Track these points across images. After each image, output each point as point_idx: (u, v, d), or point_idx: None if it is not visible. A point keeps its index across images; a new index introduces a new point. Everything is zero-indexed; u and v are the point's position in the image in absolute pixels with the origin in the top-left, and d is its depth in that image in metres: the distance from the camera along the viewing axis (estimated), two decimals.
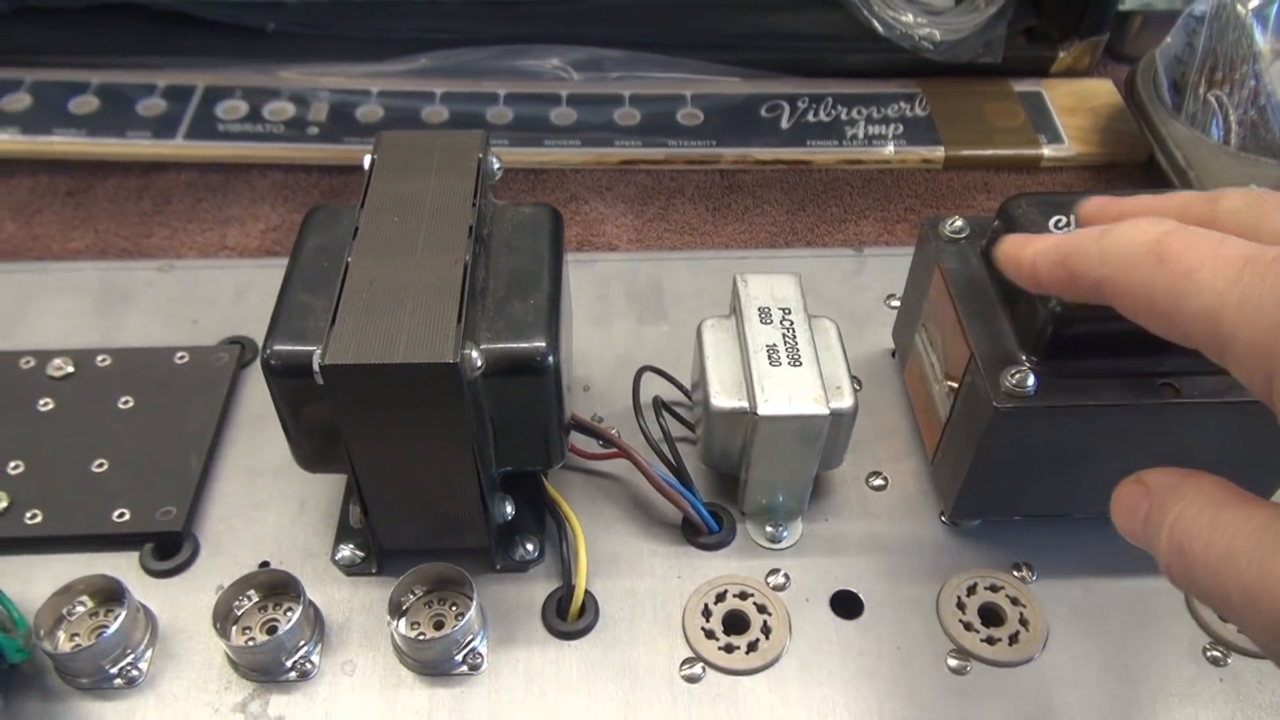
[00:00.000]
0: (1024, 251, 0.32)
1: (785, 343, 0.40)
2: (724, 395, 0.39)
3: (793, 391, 0.38)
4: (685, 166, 0.68)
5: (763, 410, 0.38)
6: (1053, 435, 0.37)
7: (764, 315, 0.41)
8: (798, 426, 0.38)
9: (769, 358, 0.39)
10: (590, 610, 0.39)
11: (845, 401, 0.39)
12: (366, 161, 0.39)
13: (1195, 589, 0.26)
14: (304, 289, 0.36)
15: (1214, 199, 0.29)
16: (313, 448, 0.37)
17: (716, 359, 0.40)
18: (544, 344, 0.35)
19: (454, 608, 0.38)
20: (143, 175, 0.67)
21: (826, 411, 0.38)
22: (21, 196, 0.65)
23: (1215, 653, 0.38)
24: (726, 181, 0.67)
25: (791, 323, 0.41)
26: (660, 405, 0.44)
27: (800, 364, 0.39)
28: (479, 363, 0.33)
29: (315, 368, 0.32)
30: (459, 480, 0.36)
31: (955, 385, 0.39)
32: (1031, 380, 0.36)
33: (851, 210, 0.66)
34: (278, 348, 0.34)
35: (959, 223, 0.42)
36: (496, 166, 0.40)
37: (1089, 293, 0.29)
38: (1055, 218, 0.38)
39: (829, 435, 0.39)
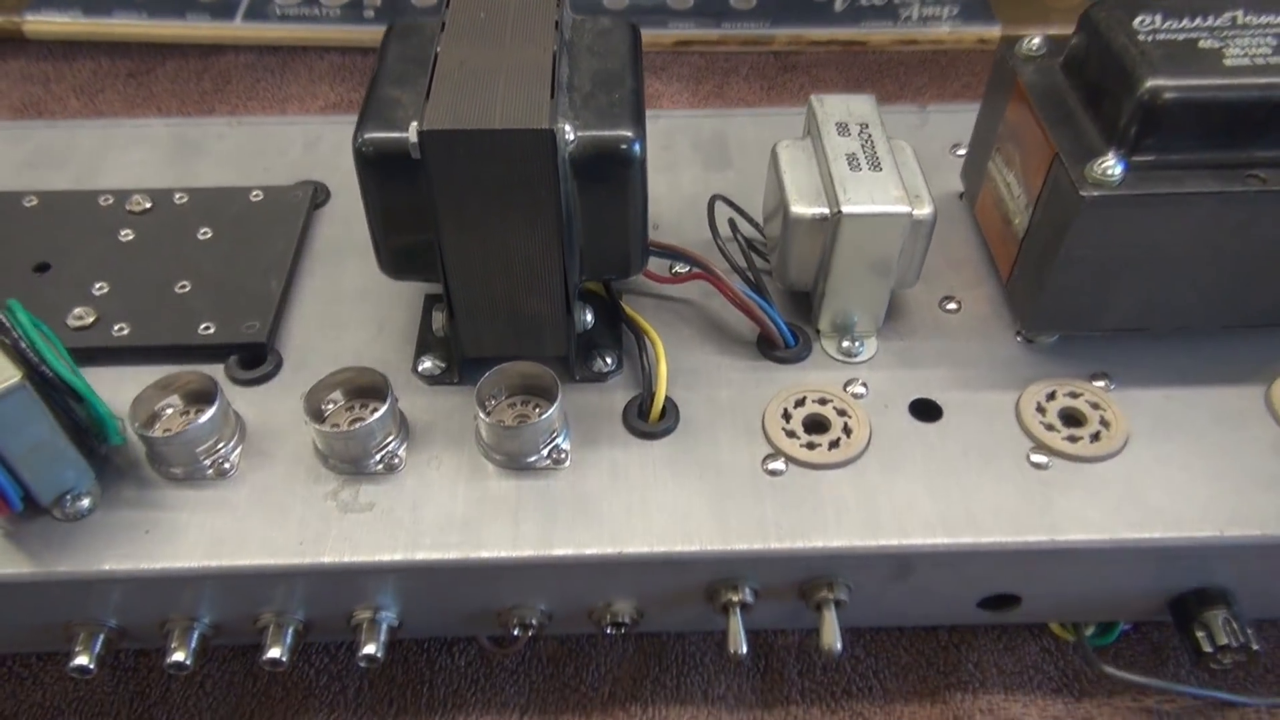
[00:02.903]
0: None
1: (864, 152, 0.40)
2: (803, 204, 0.39)
3: (875, 192, 0.38)
4: (739, 48, 0.68)
5: (846, 209, 0.38)
6: (1138, 229, 0.37)
7: (841, 129, 0.41)
8: (881, 225, 0.38)
9: (849, 164, 0.39)
10: (671, 414, 0.39)
11: (925, 209, 0.39)
12: None
13: None
14: (391, 85, 0.37)
15: None
16: (400, 247, 0.37)
17: (793, 173, 0.41)
18: (631, 132, 0.35)
19: (537, 409, 0.38)
20: (202, 58, 0.67)
21: (909, 209, 0.38)
22: (84, 77, 0.66)
23: None
24: (780, 62, 0.67)
25: (870, 135, 0.41)
26: (734, 225, 0.44)
27: (881, 169, 0.39)
28: (571, 136, 0.34)
29: (413, 138, 0.33)
30: (545, 271, 0.36)
31: (1036, 195, 0.39)
32: (1119, 168, 0.36)
33: (908, 88, 0.66)
34: (369, 135, 0.35)
35: (1036, 40, 0.42)
36: None
37: None
38: (1140, 17, 0.38)
39: (907, 244, 0.39)
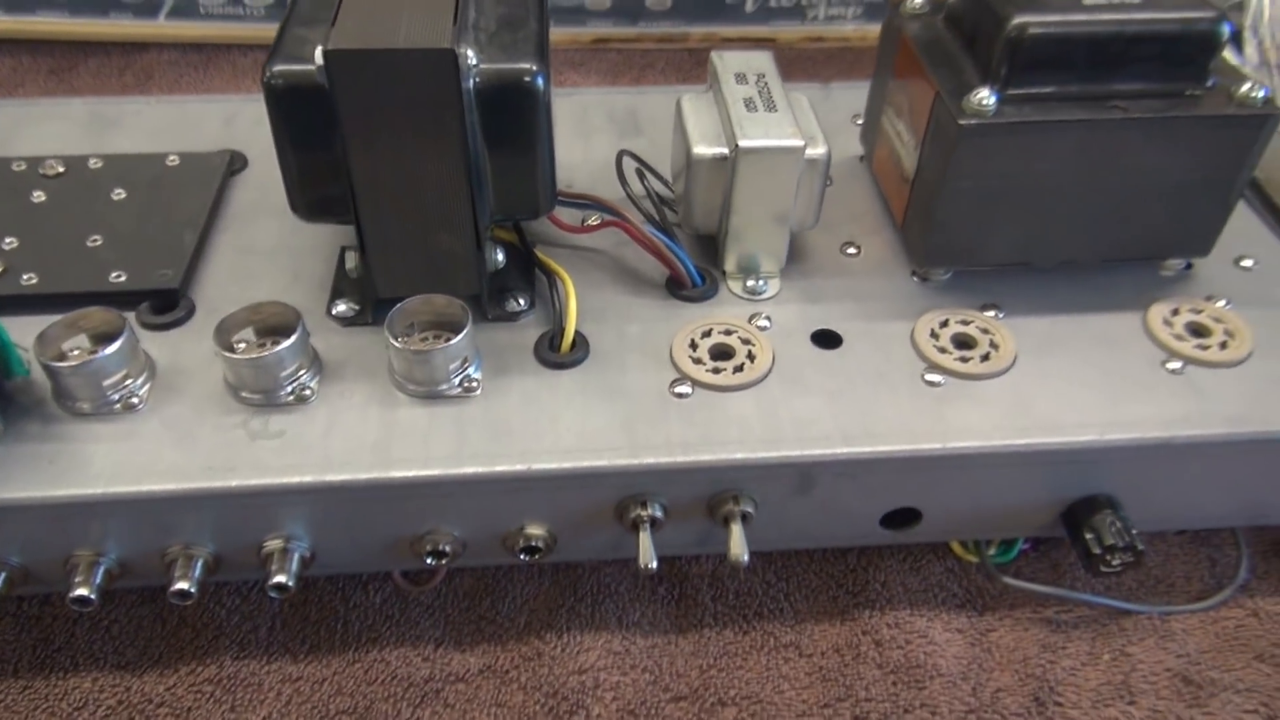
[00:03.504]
0: None
1: (761, 97, 0.42)
2: (705, 144, 0.41)
3: (770, 129, 0.40)
4: (655, 45, 0.70)
5: (743, 143, 0.40)
6: (1013, 158, 0.39)
7: (740, 79, 0.43)
8: (776, 159, 0.40)
9: (746, 107, 0.41)
10: (581, 346, 0.40)
11: (819, 148, 0.41)
12: None
13: None
14: (300, 26, 0.38)
15: None
16: (313, 186, 0.38)
17: (696, 119, 0.42)
18: (534, 65, 0.37)
19: (449, 340, 0.39)
20: (124, 55, 0.68)
21: (802, 144, 0.40)
22: (3, 74, 0.66)
23: (1174, 365, 0.40)
24: (694, 58, 0.70)
25: (766, 83, 0.43)
26: (642, 175, 0.46)
27: (776, 110, 0.41)
28: (474, 61, 0.35)
29: (318, 60, 0.34)
30: (454, 204, 0.38)
31: (923, 135, 0.42)
32: (993, 99, 0.38)
33: (816, 79, 0.69)
34: (278, 67, 0.36)
35: (919, 0, 0.45)
36: None
37: None
38: None
39: (804, 181, 0.41)
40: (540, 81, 0.37)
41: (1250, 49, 0.60)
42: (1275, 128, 0.39)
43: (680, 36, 0.70)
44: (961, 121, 0.38)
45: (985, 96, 0.38)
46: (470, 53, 0.35)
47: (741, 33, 0.70)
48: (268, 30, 0.68)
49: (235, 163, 0.49)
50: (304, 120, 0.36)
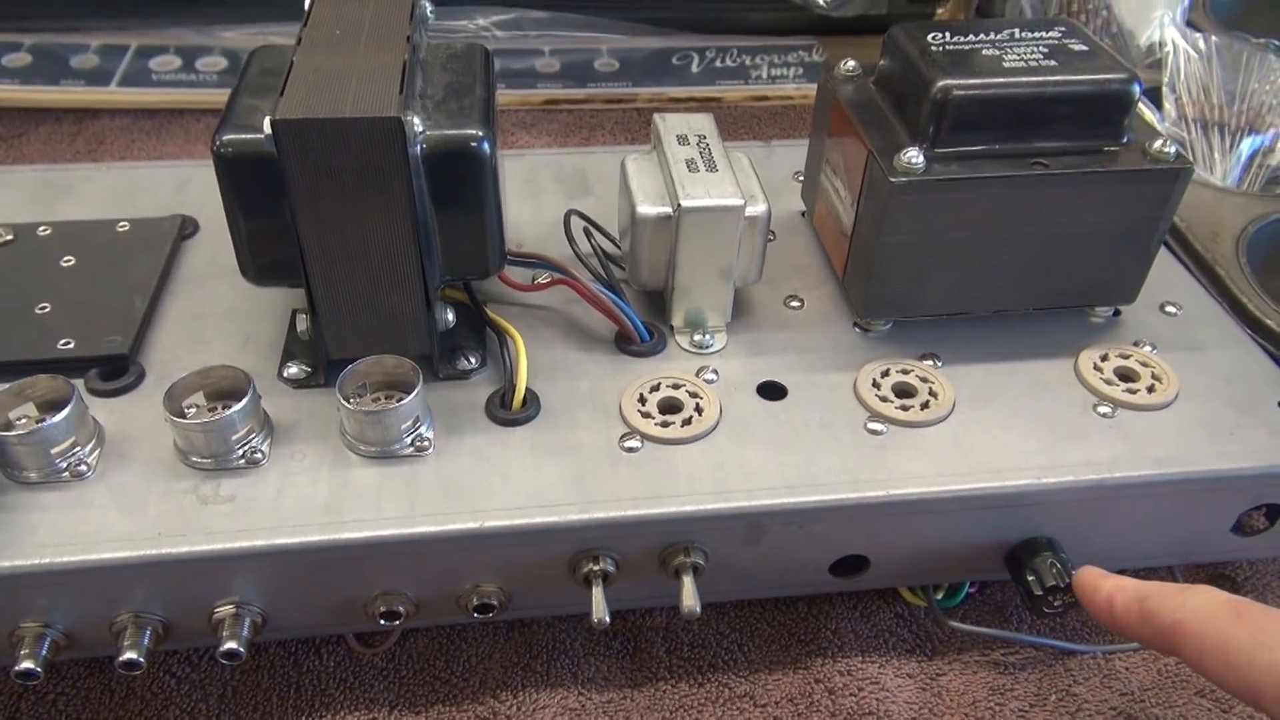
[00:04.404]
0: (1103, 584, 0.35)
1: (702, 158, 0.44)
2: (649, 204, 0.42)
3: (711, 189, 0.42)
4: (604, 105, 0.72)
5: (685, 203, 0.41)
6: (943, 213, 0.41)
7: (681, 140, 0.45)
8: (717, 218, 0.41)
9: (688, 167, 0.43)
10: (532, 403, 0.41)
11: (759, 206, 0.42)
12: (307, 1, 0.42)
13: None
14: (249, 96, 0.39)
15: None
16: (262, 252, 0.39)
17: (640, 180, 0.44)
18: (480, 131, 0.38)
19: (400, 400, 0.40)
20: (76, 122, 0.68)
21: (742, 202, 0.41)
22: None
23: (1104, 409, 0.42)
24: (643, 118, 0.72)
25: (708, 145, 0.44)
26: (589, 233, 0.47)
27: (716, 170, 0.43)
28: (420, 128, 0.36)
29: (266, 130, 0.35)
30: (403, 267, 0.38)
31: (858, 192, 0.43)
32: (921, 159, 0.40)
33: (760, 137, 0.71)
34: (227, 136, 0.36)
35: (851, 63, 0.47)
36: (430, 10, 0.44)
37: (1162, 633, 0.32)
38: (932, 34, 0.43)
39: (745, 237, 0.42)
40: (486, 146, 0.38)
41: (1169, 105, 0.63)
42: (1188, 180, 0.42)
43: (629, 98, 0.72)
44: (893, 179, 0.40)
45: (914, 155, 0.40)
46: (417, 120, 0.36)
47: (688, 93, 0.72)
48: (219, 96, 0.69)
49: (186, 227, 0.50)
50: (253, 187, 0.37)
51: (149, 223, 0.49)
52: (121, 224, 0.48)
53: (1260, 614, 0.30)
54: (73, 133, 0.67)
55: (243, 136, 0.36)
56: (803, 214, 0.53)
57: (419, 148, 0.36)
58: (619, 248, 0.48)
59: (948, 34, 0.43)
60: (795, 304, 0.47)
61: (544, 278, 0.47)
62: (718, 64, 0.75)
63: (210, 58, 0.71)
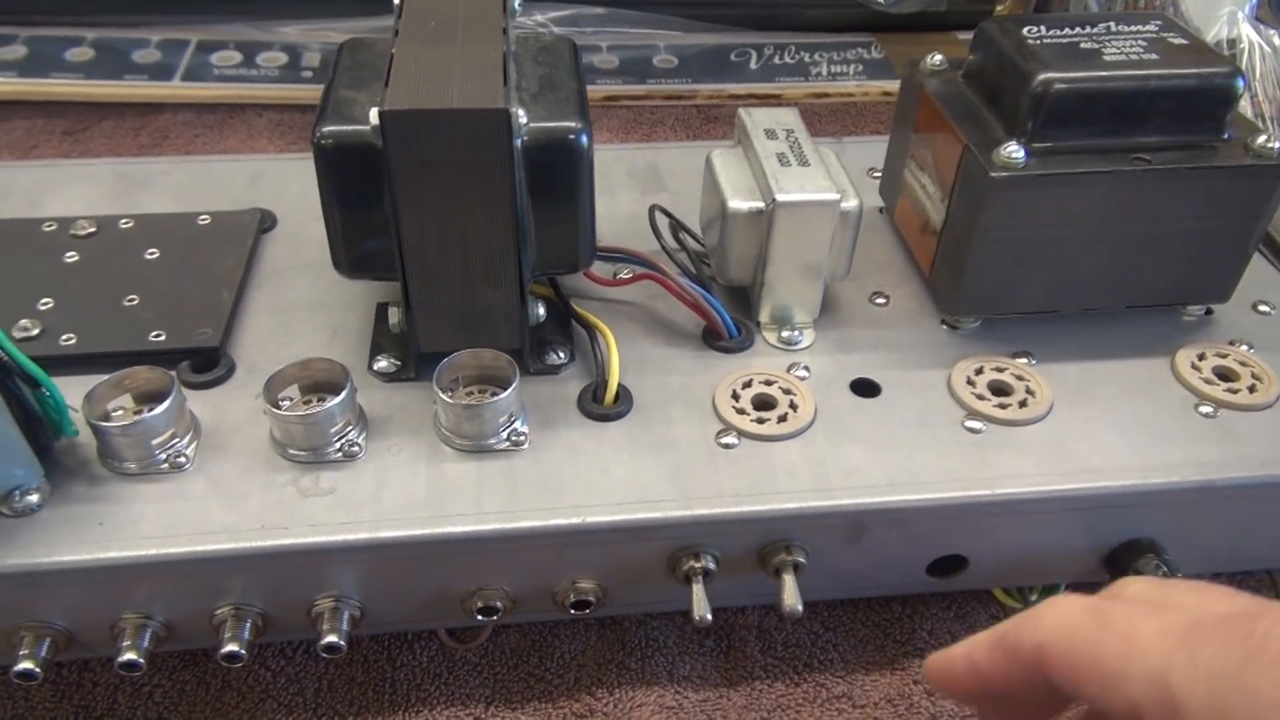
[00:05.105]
0: (954, 653, 0.29)
1: (793, 151, 0.43)
2: (739, 199, 0.42)
3: (805, 183, 0.41)
4: (664, 102, 0.72)
5: (780, 198, 0.40)
6: (1042, 209, 0.40)
7: (770, 134, 0.44)
8: (812, 212, 0.41)
9: (780, 162, 0.42)
10: (624, 398, 0.40)
11: (852, 200, 0.42)
12: None
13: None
14: (345, 89, 0.38)
15: (1116, 587, 0.28)
16: (357, 244, 0.39)
17: (728, 175, 0.43)
18: (578, 124, 0.37)
19: (494, 394, 0.39)
20: (139, 117, 0.68)
21: (838, 196, 0.41)
22: (18, 135, 0.66)
23: (1206, 409, 0.41)
24: (703, 115, 0.71)
25: (796, 139, 0.44)
26: (676, 227, 0.46)
27: (809, 165, 0.42)
28: (524, 119, 0.36)
29: (374, 121, 0.34)
30: (501, 259, 0.38)
31: (950, 188, 0.43)
32: (1022, 153, 0.39)
33: (822, 134, 0.70)
34: (328, 128, 0.36)
35: (938, 57, 0.47)
36: (518, 3, 0.43)
37: (1028, 664, 0.27)
38: (1028, 27, 0.43)
39: (837, 233, 0.42)
40: (584, 139, 0.37)
41: (1244, 101, 0.62)
42: None
43: (688, 94, 0.71)
44: (993, 174, 0.39)
45: (1015, 150, 0.39)
46: (520, 112, 0.36)
47: (748, 89, 0.72)
48: (281, 91, 0.69)
49: (265, 221, 0.49)
50: (352, 179, 0.37)
51: (229, 216, 0.48)
52: (202, 217, 0.48)
53: (1124, 615, 0.25)
54: (136, 127, 0.67)
55: (344, 128, 0.36)
56: (880, 210, 0.53)
57: (520, 140, 0.36)
58: (700, 243, 0.48)
59: (1043, 27, 0.43)
60: (880, 301, 0.46)
61: (626, 273, 0.46)
62: (776, 61, 0.75)
63: (270, 53, 0.71)
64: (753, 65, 0.74)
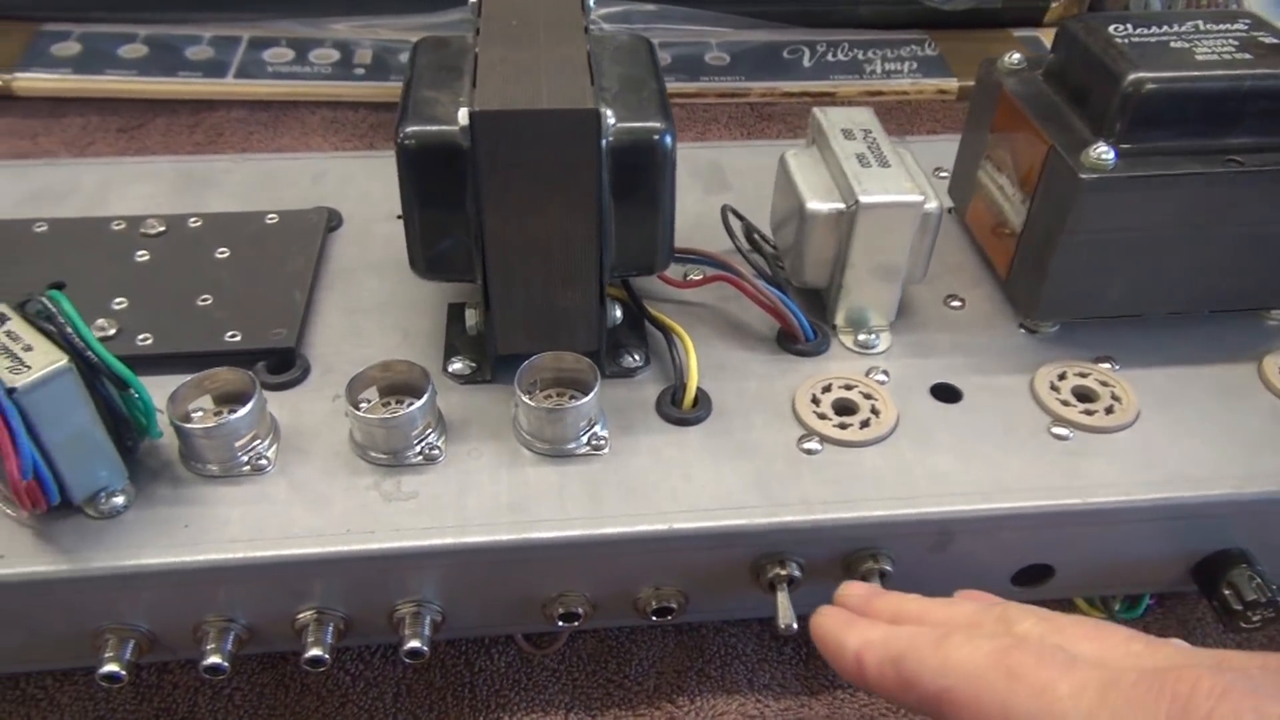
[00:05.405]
0: (847, 638, 0.30)
1: (872, 152, 0.42)
2: (818, 199, 0.41)
3: (888, 184, 0.41)
4: (717, 100, 0.71)
5: (864, 199, 0.40)
6: (1131, 212, 0.39)
7: (847, 134, 0.44)
8: (896, 215, 0.40)
9: (860, 162, 0.42)
10: (703, 403, 0.40)
11: (934, 203, 0.41)
12: None
13: None
14: (426, 88, 0.38)
15: (1007, 620, 0.29)
16: (435, 242, 0.38)
17: (804, 176, 0.43)
18: (662, 124, 0.37)
19: (573, 398, 0.39)
20: (193, 114, 0.68)
21: (921, 199, 0.40)
22: (74, 132, 0.66)
23: None
24: (756, 112, 0.71)
25: (875, 139, 0.43)
26: (749, 230, 0.46)
27: (890, 166, 0.42)
28: (611, 119, 0.35)
29: (463, 122, 0.34)
30: (582, 261, 0.38)
31: (1031, 191, 0.42)
32: (1112, 154, 0.39)
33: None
34: (412, 128, 0.36)
35: (1016, 56, 0.46)
36: (592, 1, 0.43)
37: (928, 704, 0.27)
38: (1114, 25, 0.42)
39: (917, 236, 0.41)
40: (668, 140, 0.37)
41: None
42: None
43: (742, 91, 0.71)
44: (1082, 175, 0.38)
45: (1104, 151, 0.39)
46: (609, 113, 0.35)
47: (801, 87, 0.71)
48: (334, 87, 0.69)
49: (331, 220, 0.49)
50: (435, 179, 0.36)
51: (296, 215, 0.48)
52: (270, 216, 0.48)
53: (1034, 665, 0.25)
54: (191, 124, 0.67)
55: (429, 128, 0.36)
56: (950, 211, 0.52)
57: (606, 140, 0.36)
58: (770, 244, 0.47)
59: (1130, 26, 0.42)
60: (956, 304, 0.46)
61: (696, 274, 0.46)
62: (829, 58, 0.74)
63: (322, 49, 0.71)
64: (806, 63, 0.73)
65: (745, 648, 0.40)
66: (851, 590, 0.33)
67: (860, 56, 0.74)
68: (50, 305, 0.33)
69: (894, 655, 0.28)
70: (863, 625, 0.30)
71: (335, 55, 0.70)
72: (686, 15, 0.76)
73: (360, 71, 0.69)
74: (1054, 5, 0.79)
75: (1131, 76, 0.39)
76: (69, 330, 0.33)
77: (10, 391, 0.30)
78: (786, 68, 0.73)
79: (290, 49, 0.71)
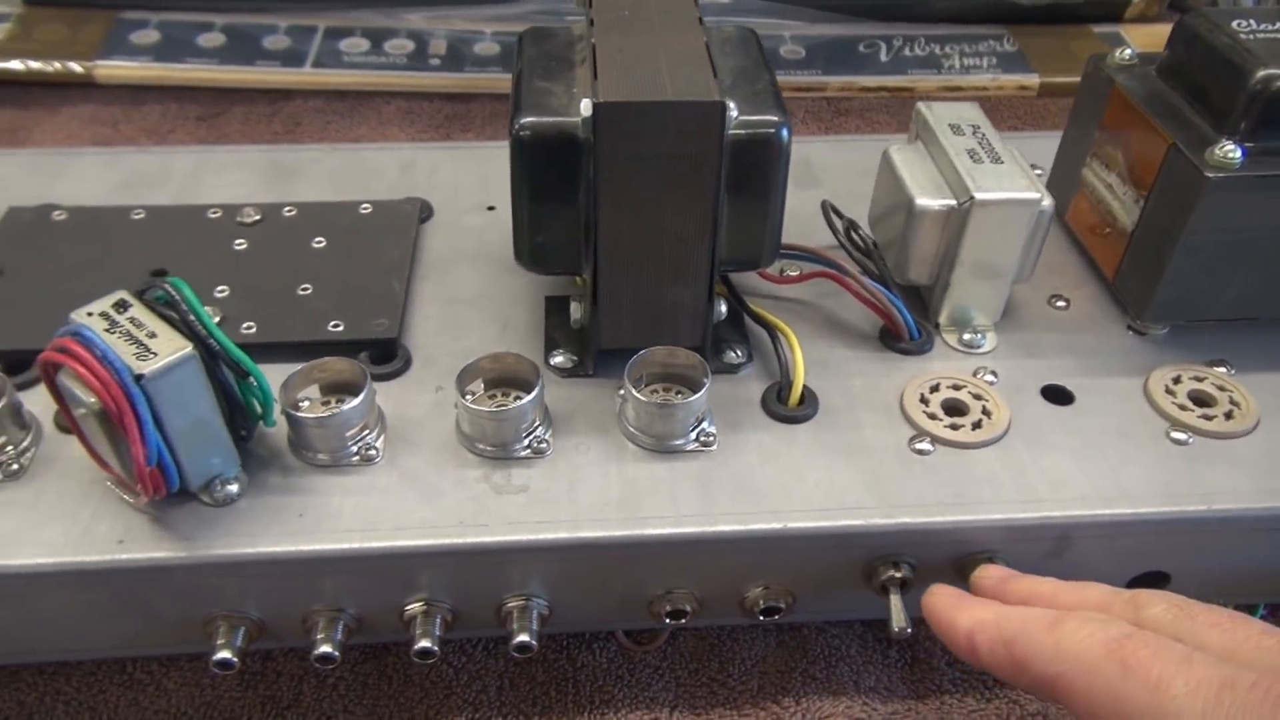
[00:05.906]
0: (959, 617, 0.30)
1: (983, 148, 0.42)
2: (927, 196, 0.40)
3: (1003, 181, 0.40)
4: (794, 94, 0.70)
5: (979, 196, 0.39)
6: (1256, 212, 0.38)
7: (955, 129, 0.43)
8: (1011, 211, 0.39)
9: (971, 158, 0.41)
10: (810, 400, 0.39)
11: (1048, 201, 0.40)
12: None
13: None
14: (539, 78, 0.38)
15: (1137, 604, 0.29)
16: (543, 234, 0.38)
17: (911, 171, 0.42)
18: (779, 117, 0.36)
19: (679, 394, 0.39)
20: (270, 103, 0.68)
21: (1038, 195, 0.39)
22: (154, 120, 0.66)
23: None
24: (834, 107, 0.70)
25: (984, 135, 0.42)
26: (850, 226, 0.45)
27: (1002, 162, 0.41)
28: (735, 113, 0.35)
29: (585, 113, 0.34)
30: (694, 255, 0.37)
31: (1146, 189, 0.41)
32: (1239, 152, 0.37)
33: None
34: (527, 119, 0.35)
35: (1128, 52, 0.45)
36: None
37: (1040, 686, 0.27)
38: (1236, 21, 0.41)
39: (1030, 234, 0.40)
40: (785, 133, 0.36)
41: None
42: None
43: (819, 86, 0.70)
44: (1208, 174, 0.37)
45: (1231, 149, 0.38)
46: (733, 104, 0.35)
47: (879, 82, 0.70)
48: (409, 78, 0.69)
49: (423, 211, 0.49)
50: (549, 171, 0.36)
51: (389, 205, 0.48)
52: (364, 206, 0.48)
53: (1150, 658, 0.25)
54: (269, 113, 0.67)
55: (546, 120, 0.35)
56: None
57: (734, 117, 0.35)
58: (869, 240, 0.46)
59: (1254, 21, 0.40)
60: (1060, 304, 0.45)
61: (794, 270, 0.45)
62: (906, 53, 0.73)
63: (397, 40, 0.71)
64: (883, 57, 0.72)
65: (849, 649, 0.39)
66: (988, 573, 0.33)
67: (938, 51, 0.73)
68: (173, 292, 0.33)
69: (1007, 637, 0.28)
70: (975, 605, 0.30)
71: (410, 46, 0.70)
72: (761, 8, 0.75)
73: (435, 62, 0.69)
74: (1135, 2, 0.77)
75: (1260, 73, 0.38)
76: (191, 317, 0.32)
77: (139, 378, 0.30)
78: (863, 62, 0.72)
79: (365, 39, 0.71)
